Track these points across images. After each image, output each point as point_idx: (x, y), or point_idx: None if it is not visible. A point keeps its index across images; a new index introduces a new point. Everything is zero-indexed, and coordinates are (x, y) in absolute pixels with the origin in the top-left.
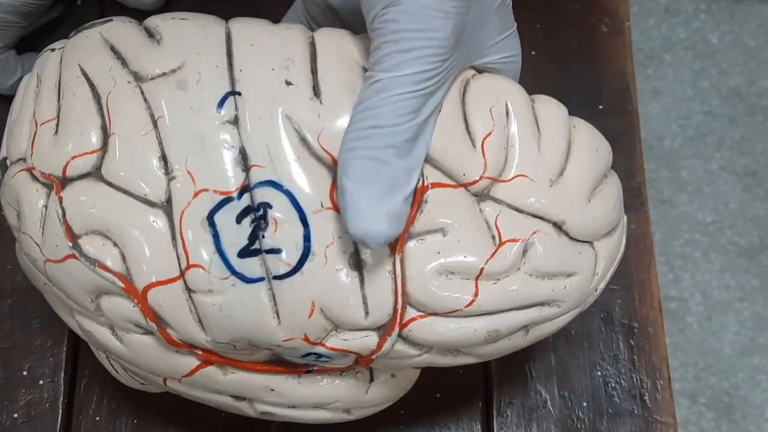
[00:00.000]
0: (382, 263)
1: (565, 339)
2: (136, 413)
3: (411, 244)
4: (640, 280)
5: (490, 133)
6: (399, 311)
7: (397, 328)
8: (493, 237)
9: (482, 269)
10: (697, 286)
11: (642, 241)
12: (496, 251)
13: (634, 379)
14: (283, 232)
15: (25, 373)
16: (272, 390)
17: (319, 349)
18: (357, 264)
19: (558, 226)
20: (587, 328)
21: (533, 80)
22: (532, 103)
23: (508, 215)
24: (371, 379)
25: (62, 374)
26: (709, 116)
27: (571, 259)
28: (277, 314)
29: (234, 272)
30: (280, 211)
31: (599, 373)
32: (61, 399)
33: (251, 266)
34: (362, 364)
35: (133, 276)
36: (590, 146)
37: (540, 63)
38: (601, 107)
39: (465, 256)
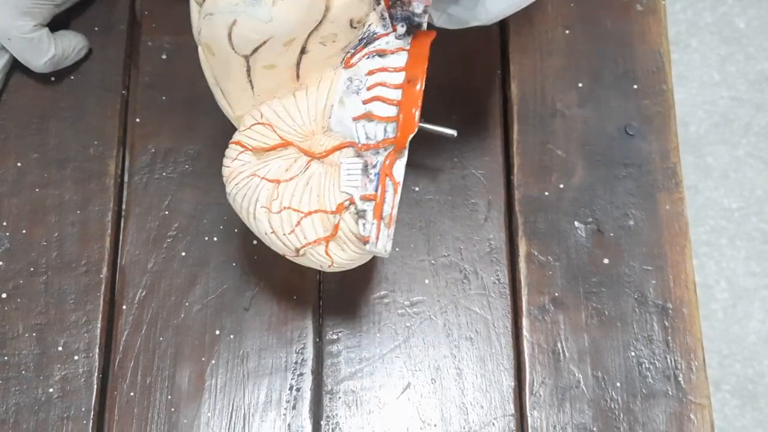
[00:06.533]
0: None
1: (599, 319)
2: (170, 390)
3: None
4: (675, 261)
5: None
6: None
7: None
8: None
9: None
10: (722, 273)
11: (676, 222)
12: None
13: (669, 360)
14: None
15: (60, 348)
16: None
17: None
18: None
19: None
20: (621, 309)
21: (568, 59)
22: None
23: None
24: None
25: (96, 350)
26: (735, 102)
27: None
28: None
29: None
30: None
31: (633, 354)
32: (96, 374)
33: None
34: None
35: None
36: None
37: (574, 43)
38: (635, 87)
39: None
